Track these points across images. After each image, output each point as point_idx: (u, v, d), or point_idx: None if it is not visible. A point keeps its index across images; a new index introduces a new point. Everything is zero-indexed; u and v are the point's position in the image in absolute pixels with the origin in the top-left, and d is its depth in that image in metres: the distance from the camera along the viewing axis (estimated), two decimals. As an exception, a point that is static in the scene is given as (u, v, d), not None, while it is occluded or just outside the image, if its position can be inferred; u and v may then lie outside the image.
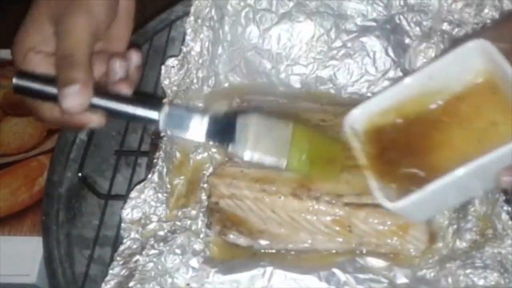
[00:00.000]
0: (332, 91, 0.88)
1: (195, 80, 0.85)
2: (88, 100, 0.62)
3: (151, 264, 0.70)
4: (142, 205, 0.75)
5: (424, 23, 0.85)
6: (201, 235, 0.75)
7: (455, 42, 0.79)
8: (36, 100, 0.66)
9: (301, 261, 0.73)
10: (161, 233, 0.74)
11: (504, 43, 0.64)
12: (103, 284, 0.70)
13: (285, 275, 0.69)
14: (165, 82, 0.83)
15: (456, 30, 0.83)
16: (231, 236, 0.74)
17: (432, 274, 0.69)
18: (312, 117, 0.82)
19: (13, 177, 0.97)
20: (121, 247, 0.73)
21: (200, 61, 0.85)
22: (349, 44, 0.87)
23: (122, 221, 0.75)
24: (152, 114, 0.63)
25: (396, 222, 0.72)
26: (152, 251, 0.71)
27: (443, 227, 0.74)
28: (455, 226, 0.72)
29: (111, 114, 0.64)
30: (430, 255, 0.72)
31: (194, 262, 0.71)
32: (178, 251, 0.71)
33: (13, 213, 0.93)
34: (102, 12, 0.68)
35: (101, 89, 0.64)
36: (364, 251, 0.73)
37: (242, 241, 0.74)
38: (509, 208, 0.69)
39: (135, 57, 0.69)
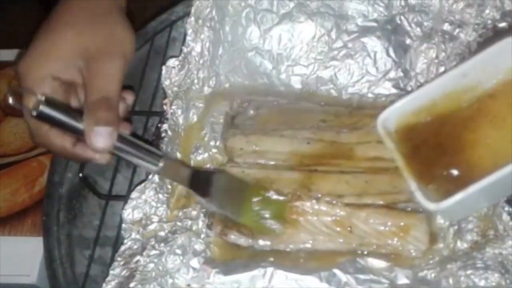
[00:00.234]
0: (332, 91, 0.88)
1: (195, 81, 0.85)
2: (114, 141, 0.66)
3: (151, 265, 0.70)
4: (143, 205, 0.76)
5: (425, 23, 0.85)
6: (202, 236, 0.75)
7: (491, 38, 0.78)
8: (47, 127, 0.67)
9: (301, 261, 0.73)
10: (162, 233, 0.74)
11: None
12: (103, 285, 0.70)
13: (285, 275, 0.69)
14: (165, 82, 0.83)
15: (457, 30, 0.83)
16: (232, 236, 0.74)
17: (433, 275, 0.69)
18: (313, 118, 0.82)
19: (13, 178, 0.97)
20: (122, 248, 0.73)
21: (201, 61, 0.85)
22: (350, 45, 0.87)
23: (123, 222, 0.75)
24: (151, 167, 0.71)
25: (397, 223, 0.72)
26: (153, 252, 0.71)
27: (443, 228, 0.73)
28: (456, 227, 0.72)
29: (116, 155, 0.69)
30: (431, 256, 0.71)
31: (195, 262, 0.71)
32: (178, 251, 0.71)
33: (13, 213, 0.93)
34: (132, 53, 0.70)
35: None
36: (365, 252, 0.73)
37: (242, 241, 0.74)
38: (510, 209, 0.69)
39: (130, 98, 0.73)
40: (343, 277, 0.68)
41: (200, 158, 0.82)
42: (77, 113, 0.67)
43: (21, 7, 1.68)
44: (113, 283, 0.70)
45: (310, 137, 0.79)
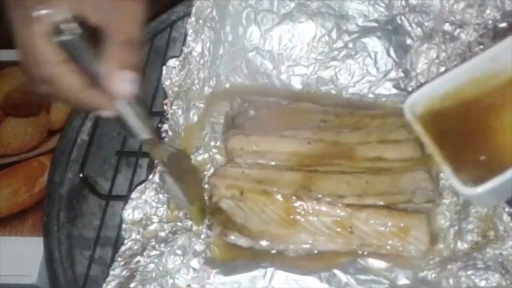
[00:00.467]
0: (333, 91, 0.88)
1: (196, 81, 0.85)
2: (136, 89, 0.61)
3: (152, 265, 0.70)
4: (143, 205, 0.76)
5: (426, 23, 0.85)
6: (202, 236, 0.75)
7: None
8: (63, 57, 0.60)
9: (302, 262, 0.73)
10: (162, 234, 0.74)
11: None
12: (104, 285, 0.70)
13: (286, 276, 0.69)
14: (166, 82, 0.83)
15: (457, 30, 0.83)
16: (232, 237, 0.74)
17: (433, 276, 0.69)
18: (313, 118, 0.82)
19: (13, 178, 0.97)
20: (122, 248, 0.73)
21: (201, 61, 0.85)
22: (350, 45, 0.87)
23: (123, 222, 0.75)
24: (142, 134, 0.67)
25: (397, 223, 0.72)
26: (153, 252, 0.71)
27: (444, 228, 0.73)
28: (456, 227, 0.72)
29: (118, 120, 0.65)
30: (431, 256, 0.71)
31: (195, 263, 0.71)
32: (179, 252, 0.71)
33: (13, 214, 0.93)
34: None
35: None
36: (365, 252, 0.72)
37: (243, 242, 0.74)
38: (511, 209, 0.69)
39: None
40: (343, 277, 0.69)
41: (201, 158, 0.82)
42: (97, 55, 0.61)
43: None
44: (113, 283, 0.70)
45: (311, 137, 0.79)
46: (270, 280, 0.69)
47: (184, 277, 0.70)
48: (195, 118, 0.84)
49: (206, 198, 0.78)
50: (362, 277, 0.69)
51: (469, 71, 0.67)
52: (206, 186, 0.79)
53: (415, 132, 0.70)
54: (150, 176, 0.77)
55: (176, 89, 0.83)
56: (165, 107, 0.84)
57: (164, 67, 0.84)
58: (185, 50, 0.84)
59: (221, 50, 0.88)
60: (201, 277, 0.70)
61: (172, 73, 0.84)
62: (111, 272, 0.71)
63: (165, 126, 0.81)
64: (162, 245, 0.72)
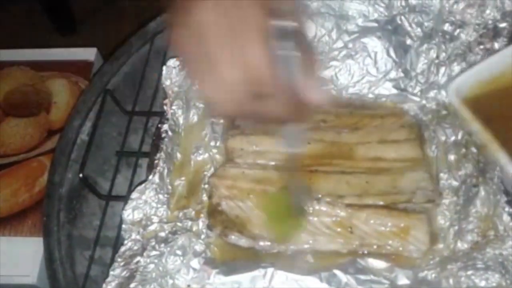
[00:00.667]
0: (333, 91, 0.88)
1: (196, 81, 0.85)
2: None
3: (152, 265, 0.70)
4: (143, 206, 0.76)
5: (426, 23, 0.85)
6: (202, 236, 0.75)
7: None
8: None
9: (302, 262, 0.73)
10: (162, 234, 0.74)
11: None
12: (104, 285, 0.70)
13: (286, 276, 0.69)
14: (166, 83, 0.83)
15: (457, 30, 0.83)
16: (232, 237, 0.74)
17: (433, 275, 0.69)
18: (313, 118, 0.82)
19: (13, 178, 0.97)
20: (122, 248, 0.73)
21: (201, 61, 0.85)
22: (350, 45, 0.87)
23: (123, 222, 0.75)
24: None
25: (397, 223, 0.72)
26: (153, 252, 0.71)
27: (444, 228, 0.74)
28: (456, 227, 0.72)
29: None
30: (431, 256, 0.72)
31: (195, 263, 0.71)
32: (179, 252, 0.71)
33: (13, 214, 0.93)
34: None
35: None
36: (365, 252, 0.72)
37: (243, 242, 0.74)
38: (511, 209, 0.69)
39: None
40: (343, 277, 0.68)
41: (201, 158, 0.82)
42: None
43: (22, 8, 1.68)
44: (113, 283, 0.70)
45: (311, 137, 0.79)
46: (270, 280, 0.69)
47: (184, 277, 0.70)
48: (195, 118, 0.84)
49: (206, 198, 0.78)
50: (362, 277, 0.69)
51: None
52: (206, 186, 0.79)
53: (461, 118, 0.65)
54: (150, 176, 0.77)
55: (176, 89, 0.83)
56: (165, 107, 0.84)
57: (164, 67, 0.84)
58: (185, 50, 0.84)
59: (221, 50, 0.87)
60: (201, 277, 0.70)
61: (172, 73, 0.83)
62: (111, 273, 0.71)
63: (165, 126, 0.81)
64: (162, 245, 0.72)
